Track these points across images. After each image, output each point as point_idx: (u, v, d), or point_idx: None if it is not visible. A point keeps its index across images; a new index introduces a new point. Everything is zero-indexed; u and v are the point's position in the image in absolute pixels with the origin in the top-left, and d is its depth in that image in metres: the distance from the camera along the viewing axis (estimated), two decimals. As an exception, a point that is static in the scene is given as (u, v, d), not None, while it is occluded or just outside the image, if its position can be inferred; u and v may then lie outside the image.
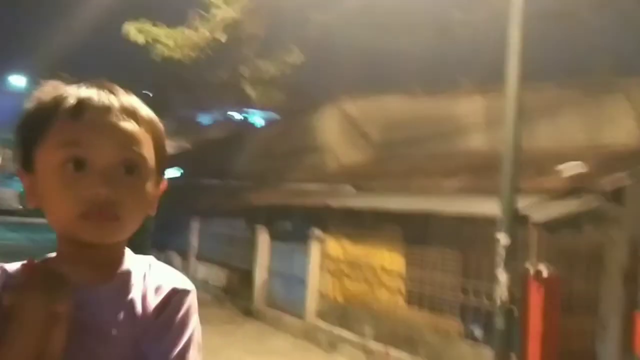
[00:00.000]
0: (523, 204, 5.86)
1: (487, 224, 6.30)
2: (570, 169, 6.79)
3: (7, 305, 0.90)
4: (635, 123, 7.49)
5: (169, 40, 8.11)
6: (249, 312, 10.48)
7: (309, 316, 9.13)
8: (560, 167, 6.87)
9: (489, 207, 6.12)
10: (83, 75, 1.04)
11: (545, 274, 5.78)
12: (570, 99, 8.17)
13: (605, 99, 7.79)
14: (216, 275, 12.50)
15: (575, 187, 6.22)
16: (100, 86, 1.01)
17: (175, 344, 1.00)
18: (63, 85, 1.02)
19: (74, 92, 0.99)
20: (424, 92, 10.12)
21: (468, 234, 6.89)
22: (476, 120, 9.48)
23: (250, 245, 10.83)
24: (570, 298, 6.04)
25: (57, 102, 0.98)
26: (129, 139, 0.97)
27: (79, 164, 0.95)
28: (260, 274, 10.59)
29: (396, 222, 7.72)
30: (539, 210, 5.92)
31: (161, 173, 1.05)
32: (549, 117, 8.29)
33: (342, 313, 8.50)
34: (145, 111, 1.03)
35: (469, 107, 9.63)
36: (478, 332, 6.56)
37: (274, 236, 10.43)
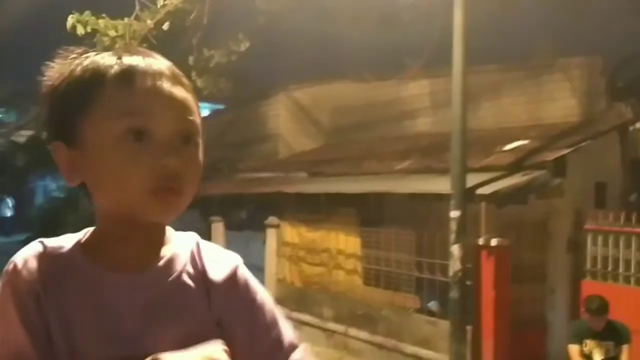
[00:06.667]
0: (472, 180, 6.07)
1: (438, 202, 6.50)
2: (515, 146, 7.07)
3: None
4: (574, 100, 7.84)
5: (110, 30, 7.95)
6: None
7: (268, 303, 9.17)
8: (506, 145, 7.14)
9: (440, 185, 6.32)
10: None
11: (494, 245, 6.03)
12: (512, 80, 8.47)
13: (546, 79, 8.11)
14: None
15: (520, 163, 6.49)
16: (140, 52, 0.93)
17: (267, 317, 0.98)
18: (90, 55, 0.92)
19: (115, 60, 0.90)
20: (373, 77, 10.27)
21: (421, 213, 7.08)
22: (424, 103, 9.71)
23: (205, 236, 10.71)
24: (520, 268, 6.31)
25: (101, 71, 0.90)
26: (184, 106, 0.90)
27: (139, 135, 0.86)
28: (216, 264, 10.54)
29: (350, 205, 7.86)
30: (487, 185, 6.14)
31: None
32: (493, 99, 8.57)
33: (300, 297, 8.60)
34: (185, 77, 0.95)
35: (416, 91, 9.84)
36: (434, 306, 6.77)
37: (229, 226, 10.42)
